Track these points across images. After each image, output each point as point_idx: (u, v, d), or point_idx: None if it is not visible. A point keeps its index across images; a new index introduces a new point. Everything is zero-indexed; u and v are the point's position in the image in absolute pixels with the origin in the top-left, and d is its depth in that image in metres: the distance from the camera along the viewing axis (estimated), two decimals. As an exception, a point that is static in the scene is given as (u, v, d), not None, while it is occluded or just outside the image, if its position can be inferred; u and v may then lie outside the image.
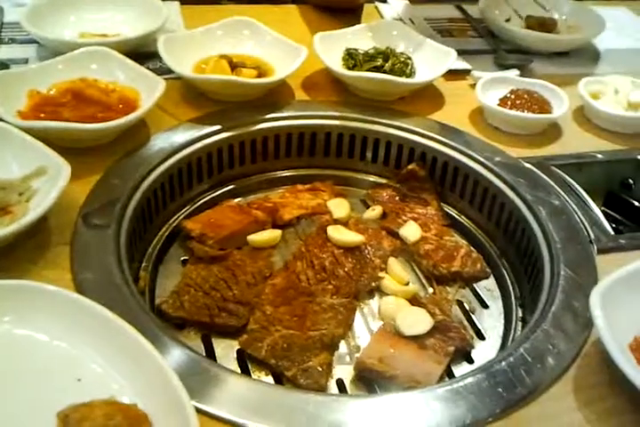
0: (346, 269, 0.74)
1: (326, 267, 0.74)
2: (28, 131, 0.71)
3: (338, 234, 0.78)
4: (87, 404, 0.48)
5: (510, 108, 0.89)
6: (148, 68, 0.88)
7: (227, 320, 0.68)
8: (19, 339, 0.53)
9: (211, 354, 0.66)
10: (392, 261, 0.77)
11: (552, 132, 0.91)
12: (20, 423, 0.48)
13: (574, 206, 0.77)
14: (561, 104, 0.91)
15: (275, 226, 0.81)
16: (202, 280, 0.71)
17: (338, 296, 0.71)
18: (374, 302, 0.74)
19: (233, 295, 0.70)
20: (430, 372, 0.63)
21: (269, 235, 0.79)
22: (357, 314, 0.72)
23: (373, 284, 0.74)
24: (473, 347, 0.69)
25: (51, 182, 0.66)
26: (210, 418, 0.52)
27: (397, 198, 0.87)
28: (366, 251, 0.78)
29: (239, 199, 0.88)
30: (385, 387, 0.63)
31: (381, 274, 0.76)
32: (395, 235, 0.82)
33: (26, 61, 0.95)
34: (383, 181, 0.92)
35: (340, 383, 0.65)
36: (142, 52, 0.96)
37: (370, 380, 0.64)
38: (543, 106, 0.91)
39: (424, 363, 0.63)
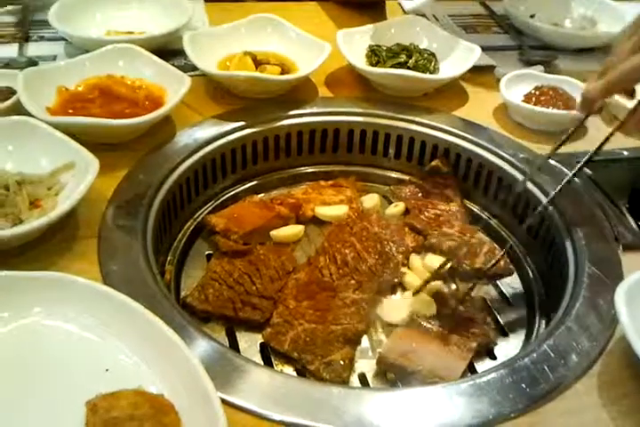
0: (368, 265, 0.75)
1: (349, 262, 0.74)
2: (57, 126, 0.73)
3: (324, 210, 0.80)
4: (115, 394, 0.49)
5: (535, 105, 0.88)
6: (173, 64, 0.89)
7: (250, 315, 0.69)
8: (48, 330, 0.54)
9: (235, 347, 0.67)
10: (414, 258, 0.77)
11: (578, 128, 0.90)
12: (50, 412, 0.49)
13: (600, 204, 0.76)
14: (586, 100, 0.90)
15: (298, 222, 0.82)
16: (226, 274, 0.72)
17: (360, 291, 0.72)
18: (397, 297, 0.74)
19: (256, 289, 0.71)
20: (453, 367, 0.63)
21: (292, 230, 0.80)
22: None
23: (396, 280, 0.75)
24: (495, 343, 0.69)
25: (79, 177, 0.68)
26: (234, 409, 0.53)
27: (420, 195, 0.87)
28: (388, 247, 0.78)
29: (262, 195, 0.88)
30: (407, 382, 0.63)
31: (404, 269, 0.76)
32: (417, 231, 0.82)
33: (54, 58, 0.97)
34: (406, 177, 0.92)
35: (363, 377, 0.65)
36: (167, 50, 0.98)
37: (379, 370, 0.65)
38: (568, 102, 0.90)
39: (447, 359, 0.63)
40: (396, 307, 0.70)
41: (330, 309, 0.69)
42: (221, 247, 0.76)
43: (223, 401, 0.50)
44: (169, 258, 0.77)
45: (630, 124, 0.68)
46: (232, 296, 0.70)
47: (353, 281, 0.72)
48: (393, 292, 0.75)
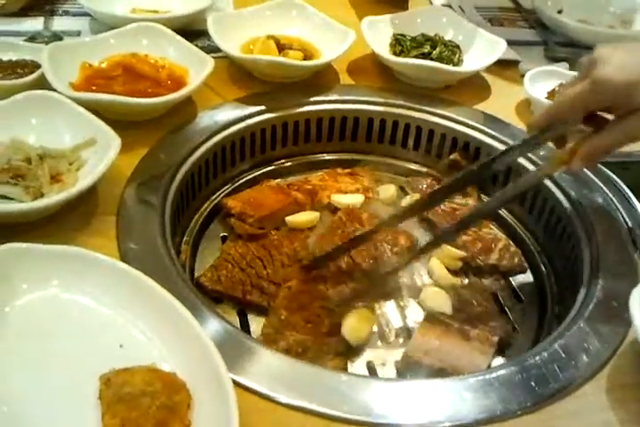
0: (362, 269, 0.72)
1: (342, 268, 0.72)
2: (80, 102, 0.73)
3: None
4: (129, 369, 0.50)
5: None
6: (196, 45, 0.89)
7: (257, 299, 0.69)
8: (65, 303, 0.55)
9: (245, 329, 0.68)
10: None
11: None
12: (64, 384, 0.50)
13: (618, 206, 0.76)
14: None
15: (313, 208, 0.82)
16: (239, 257, 0.73)
17: (356, 299, 0.70)
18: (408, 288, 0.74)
19: (267, 274, 0.71)
20: (477, 363, 0.63)
21: (307, 217, 0.80)
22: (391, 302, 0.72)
23: (392, 283, 0.73)
24: (513, 337, 0.69)
25: (100, 153, 0.68)
26: (243, 390, 0.53)
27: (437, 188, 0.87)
28: (382, 248, 0.75)
29: (279, 180, 0.88)
30: (415, 374, 0.64)
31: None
32: (431, 224, 0.82)
33: (78, 34, 0.97)
34: (424, 169, 0.92)
35: (371, 367, 0.66)
36: (191, 30, 0.97)
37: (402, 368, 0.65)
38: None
39: (470, 354, 0.63)
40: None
41: (322, 320, 0.67)
42: (237, 230, 0.76)
43: (232, 381, 0.50)
44: (185, 238, 0.77)
45: (577, 161, 0.62)
46: (243, 279, 0.70)
47: (347, 289, 0.70)
48: (390, 296, 0.73)
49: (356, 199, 0.83)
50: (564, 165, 0.64)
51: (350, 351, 0.66)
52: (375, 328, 0.69)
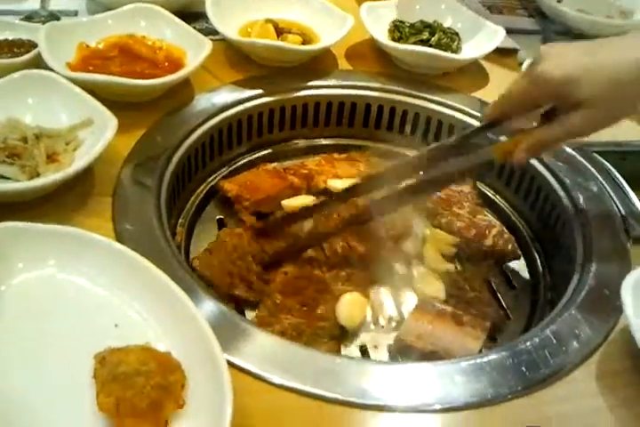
0: (358, 254, 0.72)
1: (338, 252, 0.72)
2: (77, 82, 0.73)
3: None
4: (123, 348, 0.50)
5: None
6: (194, 27, 0.88)
7: (243, 294, 0.68)
8: (61, 283, 0.55)
9: (240, 310, 0.68)
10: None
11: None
12: (59, 363, 0.50)
13: (613, 194, 0.76)
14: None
15: (309, 192, 0.82)
16: (232, 248, 0.71)
17: (350, 284, 0.70)
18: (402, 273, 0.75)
19: (257, 270, 0.70)
20: (469, 347, 0.63)
21: (303, 201, 0.80)
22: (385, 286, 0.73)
23: (388, 269, 0.74)
24: (505, 323, 0.70)
25: (97, 134, 0.68)
26: (237, 370, 0.54)
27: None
28: (378, 232, 0.75)
29: (275, 164, 0.88)
30: (407, 358, 0.64)
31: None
32: (425, 210, 0.82)
33: (75, 13, 0.97)
34: (420, 156, 0.92)
35: (364, 349, 0.66)
36: (189, 12, 0.97)
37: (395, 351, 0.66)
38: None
39: (462, 339, 0.64)
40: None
41: (317, 304, 0.67)
42: (243, 217, 0.76)
43: (227, 362, 0.51)
44: (180, 220, 0.77)
45: (519, 152, 0.63)
46: (233, 271, 0.69)
47: (343, 273, 0.71)
48: (384, 280, 0.73)
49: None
50: (508, 155, 0.64)
51: (344, 335, 0.67)
52: (369, 312, 0.70)
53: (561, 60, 0.59)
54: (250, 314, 0.67)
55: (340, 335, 0.66)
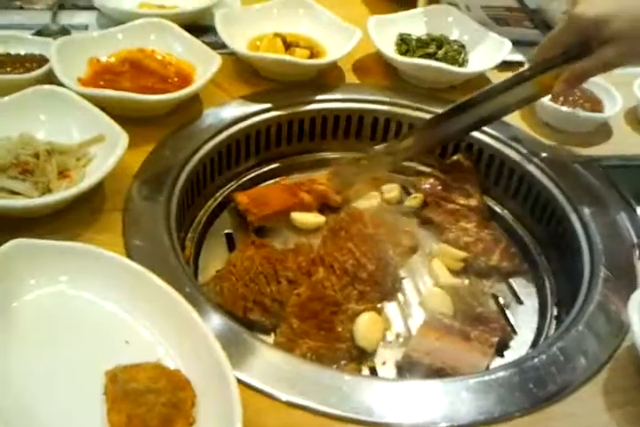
0: (368, 271, 0.72)
1: (348, 270, 0.72)
2: (88, 98, 0.73)
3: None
4: (134, 365, 0.50)
5: (561, 105, 0.88)
6: (203, 41, 0.89)
7: (259, 318, 0.68)
8: (72, 299, 0.56)
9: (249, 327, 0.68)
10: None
11: (602, 131, 0.90)
12: (71, 379, 0.51)
13: (619, 209, 0.76)
14: (614, 103, 0.90)
15: (320, 209, 0.82)
16: (244, 271, 0.70)
17: (363, 302, 0.70)
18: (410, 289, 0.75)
19: (270, 291, 0.70)
20: (477, 364, 0.63)
21: (314, 219, 0.80)
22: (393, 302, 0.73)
23: (396, 285, 0.74)
24: (512, 338, 0.70)
25: (108, 150, 0.68)
26: (246, 387, 0.54)
27: (440, 188, 0.87)
28: (385, 249, 0.75)
29: (283, 177, 0.89)
30: (415, 374, 0.65)
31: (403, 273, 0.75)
32: (432, 224, 0.83)
33: (86, 28, 0.97)
34: (427, 169, 0.92)
35: (371, 366, 0.66)
36: (198, 26, 0.98)
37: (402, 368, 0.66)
38: (595, 104, 0.90)
39: (470, 355, 0.64)
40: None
41: (334, 326, 0.67)
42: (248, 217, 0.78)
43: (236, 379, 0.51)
44: (189, 235, 0.78)
45: (559, 84, 0.73)
46: (246, 294, 0.68)
47: (355, 291, 0.71)
48: (392, 296, 0.74)
49: (371, 202, 0.83)
50: (548, 88, 0.75)
51: (364, 355, 0.66)
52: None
53: (594, 1, 0.69)
54: (265, 337, 0.66)
55: (360, 356, 0.66)
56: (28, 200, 0.63)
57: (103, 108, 0.73)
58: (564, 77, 0.73)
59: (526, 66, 0.99)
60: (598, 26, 0.68)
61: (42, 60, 0.82)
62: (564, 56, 0.73)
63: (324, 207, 0.83)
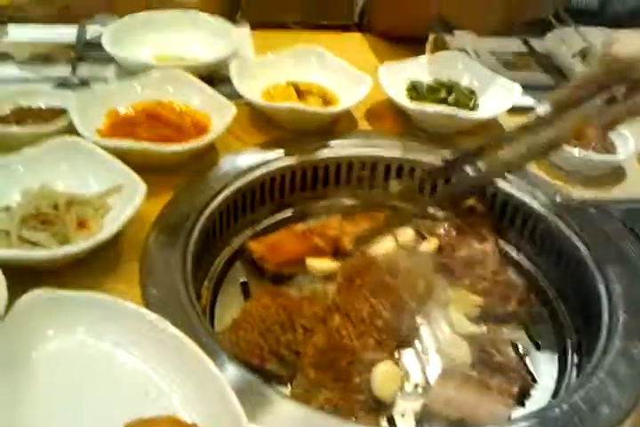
0: (384, 319, 0.71)
1: (365, 319, 0.71)
2: (107, 148, 0.75)
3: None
4: (153, 419, 0.50)
5: (574, 148, 0.89)
6: (218, 90, 0.91)
7: (276, 368, 0.67)
8: (90, 349, 0.56)
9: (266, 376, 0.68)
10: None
11: (615, 173, 0.90)
12: (88, 433, 0.51)
13: (635, 253, 0.76)
14: (626, 145, 0.90)
15: (334, 254, 0.82)
16: (259, 320, 0.70)
17: (380, 350, 0.69)
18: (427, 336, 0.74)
19: (287, 340, 0.69)
20: (497, 414, 0.62)
21: (327, 265, 0.80)
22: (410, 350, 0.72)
23: (414, 333, 0.74)
24: (533, 387, 0.69)
25: (126, 199, 0.70)
26: (263, 441, 0.53)
27: (454, 232, 0.88)
28: (401, 295, 0.75)
29: (299, 224, 0.89)
30: (434, 425, 0.63)
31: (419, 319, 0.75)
32: (448, 269, 0.82)
33: (105, 80, 1.00)
34: (440, 213, 0.92)
35: (390, 418, 0.65)
36: (214, 76, 1.00)
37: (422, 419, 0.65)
38: (607, 146, 0.90)
39: (490, 405, 0.63)
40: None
41: (351, 376, 0.66)
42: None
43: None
44: (205, 284, 0.78)
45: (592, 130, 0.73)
46: (262, 344, 0.68)
47: (371, 339, 0.70)
48: (409, 344, 0.73)
49: (385, 248, 0.83)
50: (577, 134, 0.74)
51: (381, 406, 0.66)
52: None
53: (625, 41, 0.67)
54: (281, 388, 0.66)
55: (377, 407, 0.65)
56: (48, 251, 0.64)
57: (122, 159, 0.75)
58: (598, 123, 0.71)
59: (539, 108, 1.00)
60: (632, 66, 0.66)
61: (62, 112, 0.84)
62: (592, 97, 0.71)
63: (338, 252, 0.83)
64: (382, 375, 0.66)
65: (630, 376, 0.62)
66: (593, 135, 0.74)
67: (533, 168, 0.90)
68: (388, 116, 0.98)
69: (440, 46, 1.22)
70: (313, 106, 0.92)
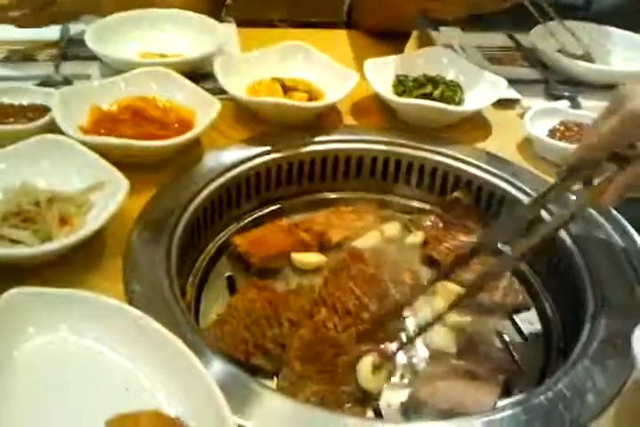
0: (371, 311, 0.72)
1: (351, 310, 0.71)
2: (89, 145, 0.75)
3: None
4: (134, 414, 0.50)
5: (559, 140, 0.89)
6: (203, 87, 0.91)
7: (262, 363, 0.67)
8: (72, 346, 0.55)
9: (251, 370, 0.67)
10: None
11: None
12: (70, 428, 0.50)
13: (622, 244, 0.76)
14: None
15: (320, 248, 0.82)
16: (245, 314, 0.70)
17: (366, 342, 0.69)
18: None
19: (273, 335, 0.69)
20: (483, 403, 0.62)
21: (315, 259, 0.80)
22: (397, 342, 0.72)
23: (399, 324, 0.73)
24: (518, 376, 0.69)
25: (108, 196, 0.69)
26: (248, 434, 0.53)
27: (441, 225, 0.88)
28: (387, 288, 0.75)
29: (285, 219, 0.89)
30: (420, 414, 0.63)
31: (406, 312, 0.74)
32: (434, 263, 0.82)
33: (88, 77, 0.99)
34: (427, 206, 0.93)
35: (376, 408, 0.65)
36: (198, 72, 1.00)
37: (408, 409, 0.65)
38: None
39: (477, 394, 0.63)
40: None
41: (337, 369, 0.66)
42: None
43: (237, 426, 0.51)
44: (190, 279, 0.78)
45: (607, 197, 0.63)
46: (247, 338, 0.68)
47: (357, 331, 0.69)
48: (395, 336, 0.72)
49: (372, 241, 0.83)
50: (595, 201, 0.65)
51: (368, 397, 0.65)
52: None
53: None
54: (267, 382, 0.65)
55: (364, 398, 0.65)
56: (29, 249, 0.63)
57: (104, 155, 0.74)
58: (615, 188, 0.62)
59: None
60: None
61: (44, 110, 0.84)
62: (607, 158, 0.64)
63: (324, 246, 0.83)
64: (368, 367, 0.65)
65: (615, 364, 0.62)
66: (610, 201, 0.64)
67: (518, 159, 0.90)
68: (374, 111, 0.98)
69: (426, 42, 1.22)
70: (298, 101, 0.91)
